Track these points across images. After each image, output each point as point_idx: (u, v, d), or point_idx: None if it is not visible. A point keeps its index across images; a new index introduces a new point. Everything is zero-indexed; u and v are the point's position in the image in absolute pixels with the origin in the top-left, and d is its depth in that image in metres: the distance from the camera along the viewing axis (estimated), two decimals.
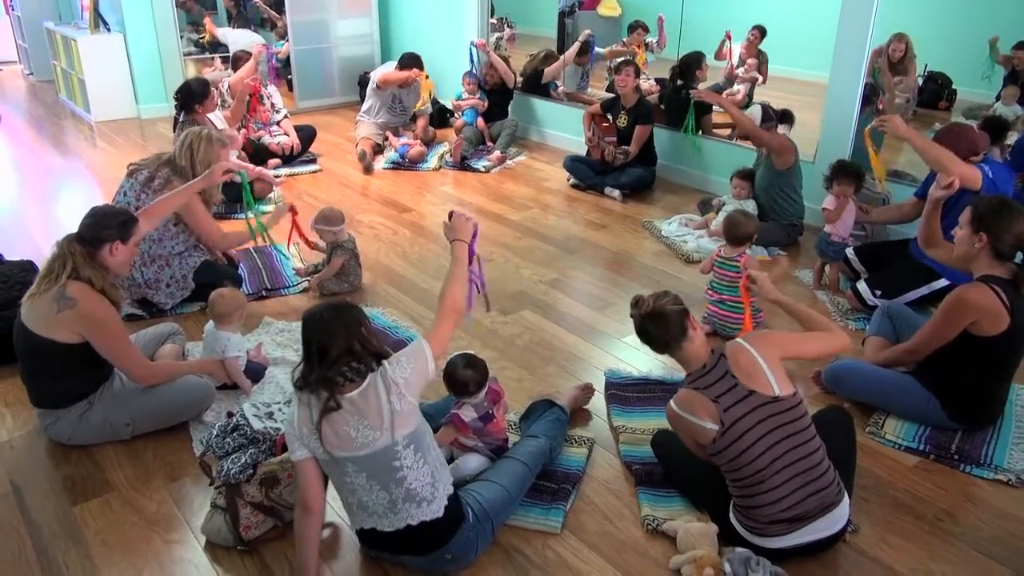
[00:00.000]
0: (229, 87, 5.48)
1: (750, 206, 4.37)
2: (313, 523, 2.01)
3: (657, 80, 6.41)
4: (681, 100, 5.54)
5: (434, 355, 2.05)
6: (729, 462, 2.07)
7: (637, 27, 6.59)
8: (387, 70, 6.20)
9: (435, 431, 2.32)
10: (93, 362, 2.52)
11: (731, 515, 2.16)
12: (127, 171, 3.49)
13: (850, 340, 2.33)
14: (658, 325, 2.15)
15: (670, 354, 2.21)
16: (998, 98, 4.73)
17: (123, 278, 3.34)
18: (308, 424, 1.95)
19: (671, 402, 2.17)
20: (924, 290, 3.41)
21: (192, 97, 4.59)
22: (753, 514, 2.08)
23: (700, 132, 5.18)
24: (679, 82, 5.61)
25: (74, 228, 2.56)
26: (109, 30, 7.18)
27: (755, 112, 4.29)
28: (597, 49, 6.75)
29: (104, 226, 2.53)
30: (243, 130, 5.38)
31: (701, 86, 5.64)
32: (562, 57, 6.50)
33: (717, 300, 3.35)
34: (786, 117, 4.34)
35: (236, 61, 5.64)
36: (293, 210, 3.66)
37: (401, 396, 1.94)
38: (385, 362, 1.98)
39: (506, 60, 6.25)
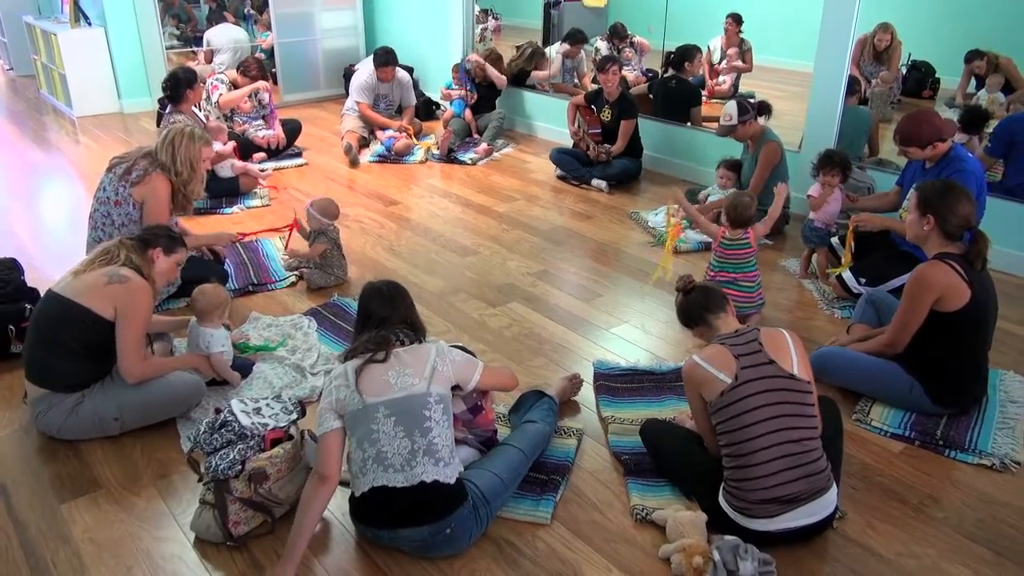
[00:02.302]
0: (218, 103, 5.38)
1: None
2: (327, 492, 2.07)
3: (645, 71, 6.42)
4: (671, 90, 5.56)
5: (478, 382, 2.23)
6: (728, 421, 2.10)
7: (615, 35, 6.58)
8: (370, 65, 6.16)
9: None
10: (102, 351, 2.55)
11: (721, 497, 2.17)
12: (108, 166, 3.46)
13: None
14: (702, 294, 2.36)
15: (705, 325, 2.34)
16: (980, 86, 4.77)
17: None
18: (345, 384, 2.06)
19: (694, 355, 2.23)
20: (907, 277, 3.42)
21: (179, 84, 4.56)
22: (743, 489, 2.10)
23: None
24: (670, 71, 5.62)
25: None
26: (90, 24, 7.10)
27: (730, 108, 4.28)
28: (584, 54, 6.67)
29: (156, 233, 2.74)
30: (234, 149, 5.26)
31: (691, 79, 5.67)
32: (548, 67, 6.48)
33: (729, 281, 3.29)
34: (763, 109, 4.33)
35: (247, 68, 5.51)
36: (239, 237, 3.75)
37: (445, 364, 2.14)
38: (441, 341, 2.21)
39: (497, 57, 6.21)
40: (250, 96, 5.53)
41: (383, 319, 2.16)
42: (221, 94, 5.40)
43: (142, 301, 2.56)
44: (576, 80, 6.57)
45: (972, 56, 4.72)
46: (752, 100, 4.36)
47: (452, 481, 2.07)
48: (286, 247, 3.94)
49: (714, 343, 2.23)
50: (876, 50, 5.00)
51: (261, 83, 5.52)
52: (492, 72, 6.09)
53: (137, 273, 2.58)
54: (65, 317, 2.51)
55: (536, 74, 6.45)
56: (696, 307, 2.36)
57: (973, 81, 4.84)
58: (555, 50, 6.57)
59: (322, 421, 2.09)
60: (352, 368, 2.08)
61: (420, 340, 2.19)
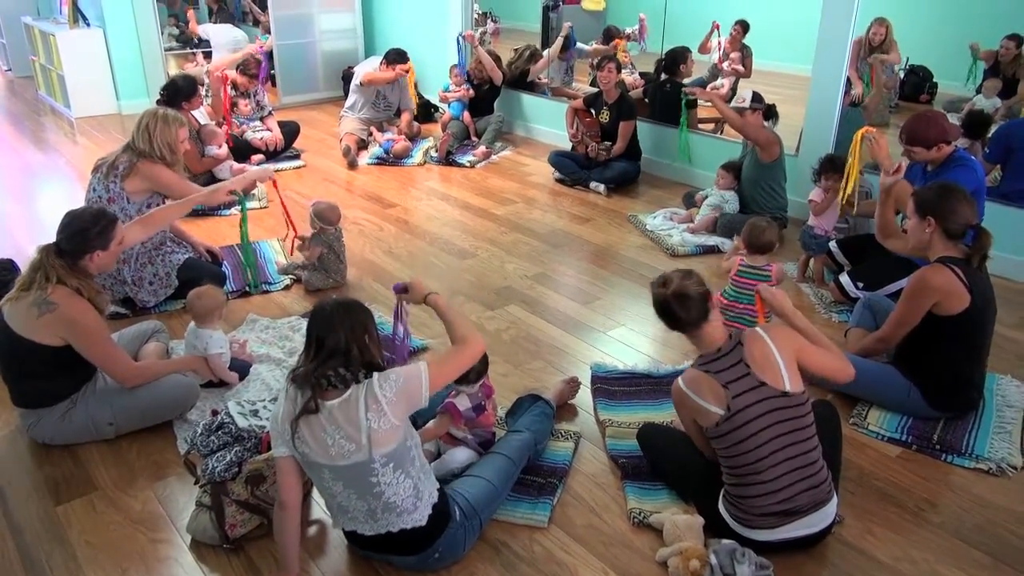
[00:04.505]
0: (207, 73, 5.45)
1: (730, 196, 4.39)
2: (290, 517, 2.01)
3: (641, 74, 6.43)
4: (666, 94, 5.56)
5: (431, 387, 1.97)
6: (728, 447, 2.08)
7: (612, 36, 6.66)
8: (371, 66, 6.17)
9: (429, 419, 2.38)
10: (76, 363, 2.50)
11: (720, 505, 2.17)
12: (93, 168, 3.43)
13: (854, 373, 2.25)
14: (681, 306, 2.12)
15: (685, 334, 2.19)
16: (979, 90, 4.78)
17: (106, 276, 3.31)
18: (288, 421, 1.92)
19: (679, 379, 2.17)
20: (904, 282, 3.42)
21: (178, 93, 4.54)
22: (745, 504, 2.09)
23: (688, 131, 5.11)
24: (664, 76, 5.62)
25: (55, 227, 2.51)
26: (88, 25, 7.10)
27: (746, 93, 4.28)
28: (581, 45, 6.76)
29: (83, 239, 2.48)
30: (224, 126, 5.34)
31: (685, 80, 5.66)
32: (546, 54, 6.52)
33: (725, 307, 3.05)
34: (770, 113, 4.34)
35: (247, 66, 5.54)
36: (274, 182, 3.67)
37: (381, 414, 1.87)
38: (374, 375, 1.91)
39: (496, 58, 6.22)
40: (249, 96, 5.54)
41: (320, 341, 1.90)
42: (208, 70, 5.53)
43: (80, 317, 2.42)
44: (573, 60, 6.66)
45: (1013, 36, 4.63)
46: (764, 100, 4.33)
47: (423, 523, 1.99)
48: (286, 238, 3.88)
49: (697, 368, 2.14)
50: (871, 45, 4.98)
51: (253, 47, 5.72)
52: (484, 57, 6.07)
53: (72, 290, 2.42)
54: (20, 350, 2.42)
55: (535, 68, 6.54)
56: (679, 321, 2.14)
57: (973, 87, 4.85)
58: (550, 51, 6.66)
59: (275, 445, 1.99)
60: (287, 423, 1.91)
61: (357, 379, 1.90)
